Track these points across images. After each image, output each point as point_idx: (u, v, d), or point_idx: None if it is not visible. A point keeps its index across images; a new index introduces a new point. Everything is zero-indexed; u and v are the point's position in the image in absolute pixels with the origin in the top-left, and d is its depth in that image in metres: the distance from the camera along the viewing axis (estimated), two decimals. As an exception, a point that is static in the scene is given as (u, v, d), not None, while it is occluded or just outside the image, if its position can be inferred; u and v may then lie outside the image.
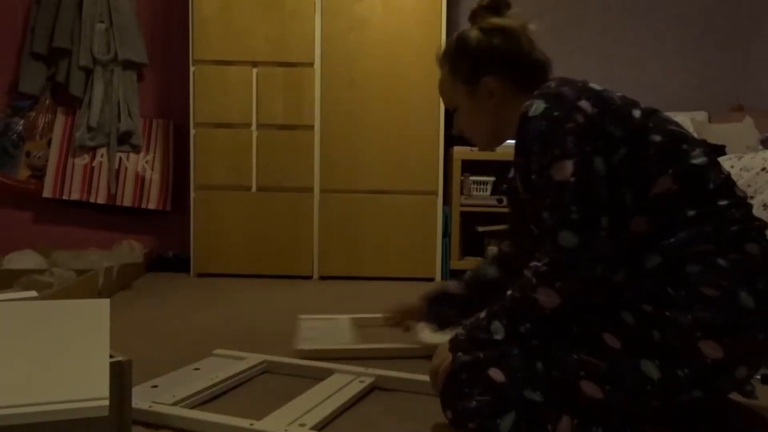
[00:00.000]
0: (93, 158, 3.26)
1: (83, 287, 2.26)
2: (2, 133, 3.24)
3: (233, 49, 3.03)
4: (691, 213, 1.02)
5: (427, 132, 3.08)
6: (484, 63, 1.25)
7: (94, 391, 0.80)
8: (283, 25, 3.03)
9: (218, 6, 3.02)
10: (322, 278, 3.10)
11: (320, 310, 2.34)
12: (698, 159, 1.05)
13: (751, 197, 1.99)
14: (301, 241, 3.10)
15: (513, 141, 1.19)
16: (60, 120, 3.26)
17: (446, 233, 3.13)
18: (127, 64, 3.26)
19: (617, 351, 0.99)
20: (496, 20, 1.26)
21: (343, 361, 1.59)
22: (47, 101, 3.27)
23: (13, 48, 3.30)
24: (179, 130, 3.38)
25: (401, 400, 1.37)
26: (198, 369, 1.52)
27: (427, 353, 1.65)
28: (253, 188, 3.09)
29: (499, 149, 3.30)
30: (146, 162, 3.32)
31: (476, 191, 3.20)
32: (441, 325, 1.59)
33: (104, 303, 1.20)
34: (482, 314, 1.13)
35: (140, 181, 3.30)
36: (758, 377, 1.37)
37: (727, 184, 1.05)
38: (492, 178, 3.21)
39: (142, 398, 1.28)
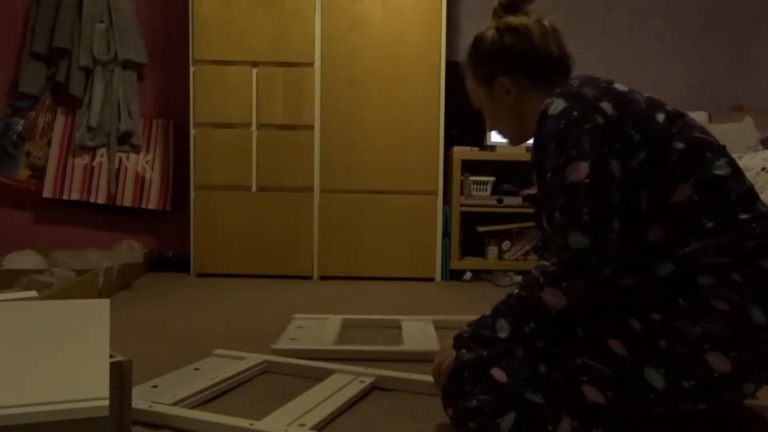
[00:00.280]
0: (93, 158, 3.26)
1: (83, 287, 2.26)
2: (2, 133, 3.24)
3: (233, 49, 3.04)
4: (709, 224, 1.00)
5: (427, 132, 3.08)
6: (498, 63, 1.24)
7: (94, 391, 0.80)
8: (283, 25, 3.03)
9: (218, 6, 3.02)
10: (322, 278, 3.10)
11: (320, 310, 2.34)
12: (721, 170, 1.03)
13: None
14: (301, 241, 3.10)
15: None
16: (60, 120, 3.26)
17: (446, 233, 3.13)
18: (127, 64, 3.26)
19: (622, 358, 0.99)
20: (509, 19, 1.24)
21: (339, 361, 1.59)
22: (47, 101, 3.27)
23: (13, 48, 3.30)
24: (179, 130, 3.38)
25: (401, 400, 1.37)
26: (198, 369, 1.52)
27: (407, 357, 1.65)
28: (253, 188, 3.09)
29: (499, 150, 3.30)
30: (146, 162, 3.32)
31: (476, 191, 3.20)
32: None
33: (104, 303, 1.20)
34: (488, 313, 1.13)
35: (140, 181, 3.30)
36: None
37: (749, 196, 1.03)
38: (492, 178, 3.21)
39: (142, 398, 1.28)
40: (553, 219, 1.05)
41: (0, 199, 3.34)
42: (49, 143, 3.25)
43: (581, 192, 1.01)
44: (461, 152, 3.14)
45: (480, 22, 3.54)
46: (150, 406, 1.23)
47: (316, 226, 3.10)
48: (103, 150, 3.25)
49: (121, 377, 0.96)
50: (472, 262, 3.20)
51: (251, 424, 1.16)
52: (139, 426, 1.19)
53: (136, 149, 3.30)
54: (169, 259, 3.30)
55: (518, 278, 3.13)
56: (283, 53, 3.04)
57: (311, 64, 3.05)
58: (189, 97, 3.09)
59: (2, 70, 3.31)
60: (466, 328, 1.14)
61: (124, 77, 3.26)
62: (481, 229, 3.22)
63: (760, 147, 2.73)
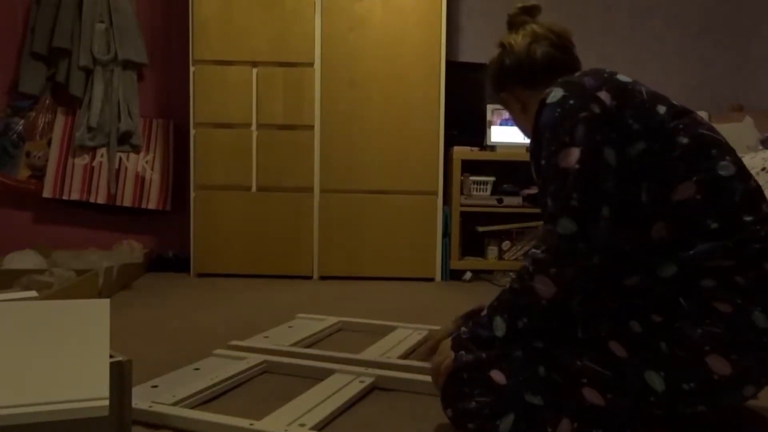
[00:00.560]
0: (93, 158, 3.26)
1: (83, 287, 2.26)
2: (2, 133, 3.24)
3: (233, 49, 3.04)
4: (713, 225, 0.99)
5: (427, 132, 3.08)
6: (497, 79, 1.34)
7: (94, 391, 0.80)
8: (283, 25, 3.03)
9: (218, 6, 3.02)
10: (322, 278, 3.10)
11: (320, 310, 2.34)
12: (725, 169, 1.01)
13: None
14: (301, 241, 3.10)
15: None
16: (60, 120, 3.27)
17: (446, 233, 3.13)
18: (127, 64, 3.26)
19: (622, 360, 0.98)
20: (503, 37, 1.33)
21: (341, 361, 1.59)
22: (47, 101, 3.27)
23: (13, 48, 3.30)
24: (179, 130, 3.38)
25: (401, 400, 1.37)
26: (198, 369, 1.52)
27: (360, 364, 1.63)
28: (253, 188, 3.09)
29: (499, 150, 3.30)
30: (146, 162, 3.32)
31: (476, 191, 3.20)
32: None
33: (104, 303, 1.20)
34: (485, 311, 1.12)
35: (140, 181, 3.30)
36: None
37: (755, 197, 1.01)
38: (492, 178, 3.21)
39: (142, 398, 1.28)
40: (546, 206, 1.05)
41: (0, 199, 3.34)
42: (49, 143, 3.25)
43: (570, 177, 1.01)
44: (461, 152, 3.14)
45: (480, 22, 3.54)
46: (150, 406, 1.23)
47: (316, 226, 3.10)
48: (103, 150, 3.25)
49: (121, 377, 0.96)
50: (472, 262, 3.20)
51: (251, 424, 1.16)
52: (139, 426, 1.19)
53: (136, 149, 3.30)
54: (169, 259, 3.30)
55: (509, 283, 3.12)
56: (283, 53, 3.04)
57: (311, 64, 3.05)
58: (189, 97, 3.09)
59: (2, 70, 3.31)
60: (465, 328, 1.14)
61: (124, 77, 3.26)
62: (481, 229, 3.22)
63: (760, 147, 2.73)
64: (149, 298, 2.54)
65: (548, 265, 1.00)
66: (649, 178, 1.03)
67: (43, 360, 0.90)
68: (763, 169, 2.11)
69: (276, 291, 2.76)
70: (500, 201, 3.15)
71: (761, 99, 3.48)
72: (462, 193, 3.16)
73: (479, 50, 3.52)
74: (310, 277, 3.11)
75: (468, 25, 3.54)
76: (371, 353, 1.68)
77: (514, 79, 1.30)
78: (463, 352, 1.11)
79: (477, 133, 3.20)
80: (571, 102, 1.06)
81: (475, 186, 3.20)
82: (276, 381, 1.51)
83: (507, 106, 1.37)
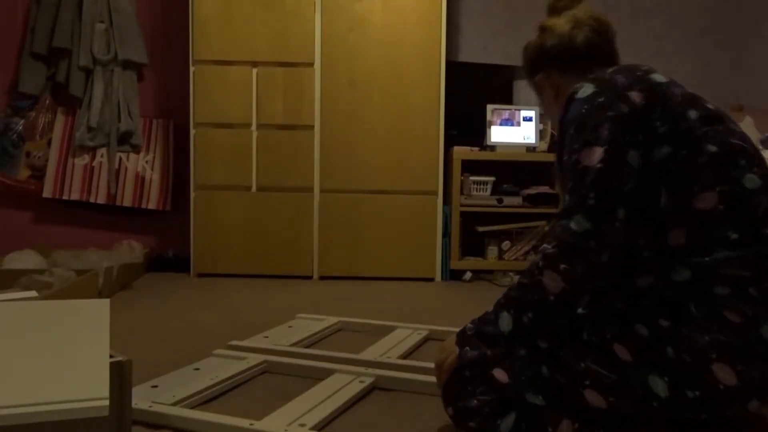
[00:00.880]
0: (93, 158, 3.26)
1: (83, 287, 2.26)
2: (2, 133, 3.24)
3: (233, 49, 3.04)
4: (733, 236, 0.97)
5: (427, 132, 3.08)
6: (536, 62, 1.31)
7: (94, 391, 0.80)
8: (283, 25, 3.03)
9: (218, 6, 3.02)
10: (322, 278, 3.10)
11: (320, 310, 2.34)
12: (752, 182, 0.99)
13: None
14: (301, 241, 3.09)
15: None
16: (60, 120, 3.26)
17: (446, 233, 3.13)
18: (127, 64, 3.26)
19: (627, 363, 0.98)
20: (544, 21, 1.31)
21: (341, 361, 1.59)
22: (47, 101, 3.27)
23: (13, 48, 3.30)
24: (179, 130, 3.38)
25: (401, 400, 1.37)
26: (198, 369, 1.52)
27: (361, 364, 1.63)
28: (253, 188, 3.09)
29: (499, 150, 3.29)
30: (146, 162, 3.32)
31: (476, 191, 3.20)
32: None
33: (104, 303, 1.20)
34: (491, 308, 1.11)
35: (140, 181, 3.30)
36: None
37: None
38: (492, 178, 3.21)
39: (142, 398, 1.28)
40: (564, 202, 1.04)
41: (0, 199, 3.34)
42: (49, 143, 3.25)
43: (590, 176, 1.00)
44: (461, 152, 3.14)
45: (480, 22, 3.54)
46: (150, 406, 1.23)
47: (316, 226, 3.10)
48: (103, 150, 3.25)
49: (121, 377, 0.96)
50: (472, 262, 3.20)
51: (251, 424, 1.16)
52: (139, 426, 1.19)
53: (136, 149, 3.30)
54: (169, 259, 3.30)
55: (518, 278, 3.12)
56: (283, 53, 3.04)
57: (311, 64, 3.05)
58: (189, 97, 3.09)
59: (2, 70, 3.31)
60: (470, 324, 1.13)
61: (124, 77, 3.26)
62: (481, 229, 3.22)
63: (761, 147, 2.73)
64: (149, 298, 2.54)
65: (558, 260, 1.00)
66: (671, 183, 1.01)
67: (43, 360, 0.90)
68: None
69: (276, 291, 2.76)
70: (500, 201, 3.15)
71: (761, 99, 3.48)
72: (462, 193, 3.16)
73: (479, 50, 3.52)
74: (310, 277, 3.11)
75: (468, 25, 3.54)
76: (371, 353, 1.68)
77: (552, 63, 1.27)
78: (467, 348, 1.11)
79: (477, 133, 3.20)
80: (600, 99, 1.05)
81: (475, 186, 3.20)
82: (276, 381, 1.51)
83: (540, 91, 1.35)
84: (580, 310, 1.05)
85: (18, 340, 0.98)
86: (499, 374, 1.06)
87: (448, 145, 3.15)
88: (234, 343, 1.76)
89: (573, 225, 0.99)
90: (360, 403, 1.35)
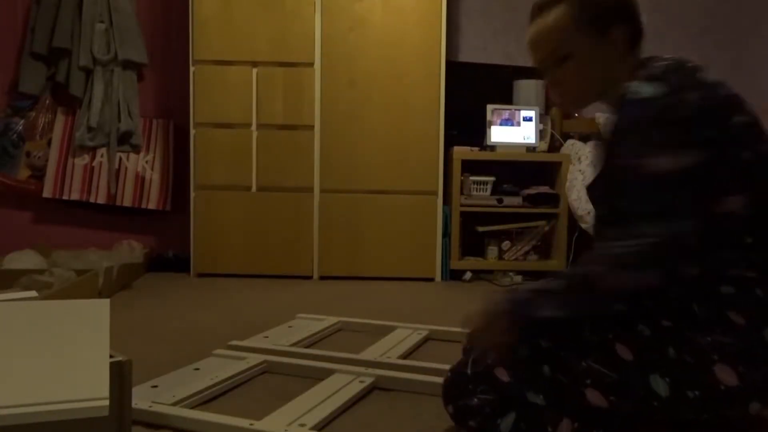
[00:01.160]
0: (93, 158, 3.26)
1: (83, 287, 2.26)
2: (2, 133, 3.24)
3: (233, 49, 3.04)
4: (748, 240, 0.98)
5: (427, 132, 3.08)
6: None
7: (94, 391, 0.80)
8: (283, 25, 3.03)
9: (218, 6, 3.02)
10: (322, 278, 3.10)
11: (320, 310, 2.34)
12: None
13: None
14: (301, 241, 3.09)
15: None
16: (60, 120, 3.26)
17: (446, 233, 3.13)
18: (127, 64, 3.26)
19: (628, 363, 0.98)
20: None
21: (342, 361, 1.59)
22: (47, 101, 3.27)
23: (13, 48, 3.30)
24: (179, 130, 3.38)
25: (401, 400, 1.37)
26: (198, 369, 1.52)
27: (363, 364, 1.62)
28: (253, 188, 3.09)
29: (499, 150, 3.29)
30: (146, 162, 3.32)
31: (476, 191, 3.20)
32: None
33: (104, 303, 1.20)
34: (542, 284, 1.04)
35: (140, 181, 3.30)
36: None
37: None
38: (492, 178, 3.21)
39: (142, 398, 1.28)
40: (624, 205, 1.00)
41: (0, 199, 3.34)
42: (49, 143, 3.25)
43: (660, 180, 0.97)
44: (461, 152, 3.14)
45: (480, 22, 3.54)
46: (150, 406, 1.23)
47: (316, 226, 3.10)
48: (103, 150, 3.25)
49: (121, 377, 0.96)
50: (472, 262, 3.20)
51: (251, 424, 1.16)
52: (139, 426, 1.19)
53: (136, 149, 3.30)
54: (169, 259, 3.30)
55: (518, 278, 3.13)
56: (283, 53, 3.04)
57: (311, 64, 3.05)
58: (189, 97, 3.09)
59: (2, 70, 3.31)
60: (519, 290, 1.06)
61: (124, 77, 3.26)
62: (481, 229, 3.22)
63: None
64: (149, 298, 2.54)
65: (632, 264, 0.95)
66: (700, 183, 0.99)
67: (43, 360, 0.90)
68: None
69: (276, 291, 2.76)
70: (500, 201, 3.15)
71: (761, 99, 3.47)
72: (462, 193, 3.16)
73: (479, 50, 3.52)
74: (310, 277, 3.11)
75: (468, 25, 3.54)
76: (371, 353, 1.68)
77: (585, 17, 1.12)
78: (508, 299, 1.04)
79: (477, 133, 3.20)
80: (662, 102, 1.01)
81: (475, 186, 3.20)
82: (276, 381, 1.51)
83: (596, 48, 1.14)
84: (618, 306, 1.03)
85: (18, 340, 0.98)
86: (500, 373, 1.06)
87: (448, 145, 3.15)
88: (234, 343, 1.76)
89: (645, 228, 0.95)
90: (360, 403, 1.35)
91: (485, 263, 3.22)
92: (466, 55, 3.52)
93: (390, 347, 1.76)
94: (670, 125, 1.00)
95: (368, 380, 1.44)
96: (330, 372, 1.50)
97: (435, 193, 3.10)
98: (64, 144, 3.25)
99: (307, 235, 3.09)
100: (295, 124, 3.07)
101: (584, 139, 3.34)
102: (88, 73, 3.21)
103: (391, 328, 2.02)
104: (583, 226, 2.86)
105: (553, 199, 3.15)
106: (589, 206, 2.77)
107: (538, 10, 1.18)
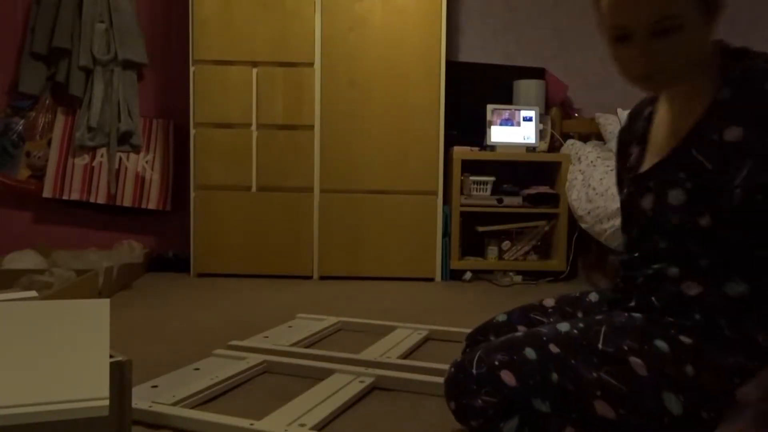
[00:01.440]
0: (93, 158, 3.26)
1: (83, 287, 2.26)
2: (2, 133, 3.24)
3: (233, 49, 3.04)
4: None
5: (427, 132, 3.08)
6: None
7: (94, 391, 0.80)
8: (283, 25, 3.03)
9: (218, 6, 3.02)
10: (322, 278, 3.10)
11: (320, 310, 2.34)
12: None
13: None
14: (301, 241, 3.10)
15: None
16: (60, 120, 3.26)
17: (446, 233, 3.13)
18: (127, 64, 3.26)
19: (641, 378, 0.95)
20: None
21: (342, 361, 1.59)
22: (47, 101, 3.27)
23: (13, 48, 3.30)
24: (179, 130, 3.38)
25: (401, 400, 1.37)
26: (198, 369, 1.52)
27: (360, 364, 1.65)
28: (253, 188, 3.09)
29: (499, 150, 3.28)
30: (146, 162, 3.32)
31: (476, 191, 3.19)
32: None
33: (104, 303, 1.20)
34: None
35: (140, 181, 3.30)
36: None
37: None
38: (492, 178, 3.21)
39: (142, 398, 1.28)
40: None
41: (0, 199, 3.34)
42: (49, 143, 3.25)
43: None
44: (461, 152, 3.14)
45: (480, 22, 3.54)
46: (150, 406, 1.23)
47: (316, 226, 3.10)
48: (103, 150, 3.25)
49: (121, 377, 0.96)
50: (472, 262, 3.20)
51: (251, 424, 1.16)
52: (139, 426, 1.19)
53: (136, 149, 3.30)
54: (169, 259, 3.30)
55: (518, 278, 3.13)
56: (283, 53, 3.04)
57: (311, 64, 3.06)
58: (189, 97, 3.09)
59: (2, 70, 3.31)
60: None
61: (124, 77, 3.26)
62: (481, 229, 3.22)
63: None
64: (149, 298, 2.55)
65: None
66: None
67: (43, 360, 0.90)
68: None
69: (276, 291, 2.76)
70: (500, 201, 3.15)
71: (761, 99, 3.48)
72: (462, 193, 3.16)
73: (479, 50, 3.52)
74: (310, 277, 3.11)
75: (468, 25, 3.54)
76: (371, 353, 1.68)
77: None
78: None
79: (477, 133, 3.20)
80: None
81: (475, 186, 3.20)
82: (276, 381, 1.51)
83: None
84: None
85: (18, 340, 0.98)
86: (507, 377, 1.03)
87: (448, 145, 3.15)
88: (234, 343, 1.76)
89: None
90: (360, 403, 1.35)
91: (485, 263, 3.22)
92: (466, 55, 3.52)
93: (390, 347, 1.76)
94: None
95: (368, 380, 1.44)
96: (330, 372, 1.50)
97: (435, 193, 3.10)
98: (64, 144, 3.25)
99: (307, 235, 3.09)
100: (295, 124, 3.07)
101: (584, 139, 3.34)
102: (88, 73, 3.21)
103: (391, 328, 2.02)
104: (583, 226, 2.85)
105: (553, 199, 3.15)
106: (589, 206, 2.76)
107: None
